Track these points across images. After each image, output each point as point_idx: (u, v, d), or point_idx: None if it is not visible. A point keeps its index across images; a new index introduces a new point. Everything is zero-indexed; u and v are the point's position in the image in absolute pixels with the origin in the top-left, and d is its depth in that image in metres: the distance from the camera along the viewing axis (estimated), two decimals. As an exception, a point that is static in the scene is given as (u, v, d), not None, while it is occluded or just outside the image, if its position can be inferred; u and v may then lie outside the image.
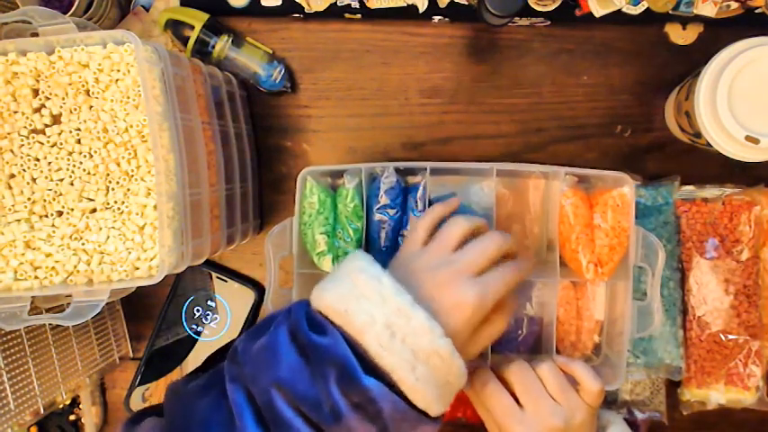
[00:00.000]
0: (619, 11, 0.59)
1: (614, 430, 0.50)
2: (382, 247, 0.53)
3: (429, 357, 0.39)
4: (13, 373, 0.51)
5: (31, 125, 0.46)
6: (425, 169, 0.53)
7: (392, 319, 0.39)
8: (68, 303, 0.45)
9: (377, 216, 0.53)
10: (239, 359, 0.40)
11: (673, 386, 0.61)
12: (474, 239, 0.46)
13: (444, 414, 0.42)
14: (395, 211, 0.53)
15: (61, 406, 0.62)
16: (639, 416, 0.60)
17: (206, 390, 0.41)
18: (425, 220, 0.49)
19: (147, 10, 0.62)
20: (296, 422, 0.37)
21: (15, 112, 0.46)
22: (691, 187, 0.59)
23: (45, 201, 0.46)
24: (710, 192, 0.59)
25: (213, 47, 0.59)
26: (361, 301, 0.40)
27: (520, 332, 0.58)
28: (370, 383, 0.37)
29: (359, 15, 0.61)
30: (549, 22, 0.60)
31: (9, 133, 0.46)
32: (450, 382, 0.41)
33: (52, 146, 0.46)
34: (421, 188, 0.53)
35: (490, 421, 0.50)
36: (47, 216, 0.46)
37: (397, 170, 0.54)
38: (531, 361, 0.50)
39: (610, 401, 0.60)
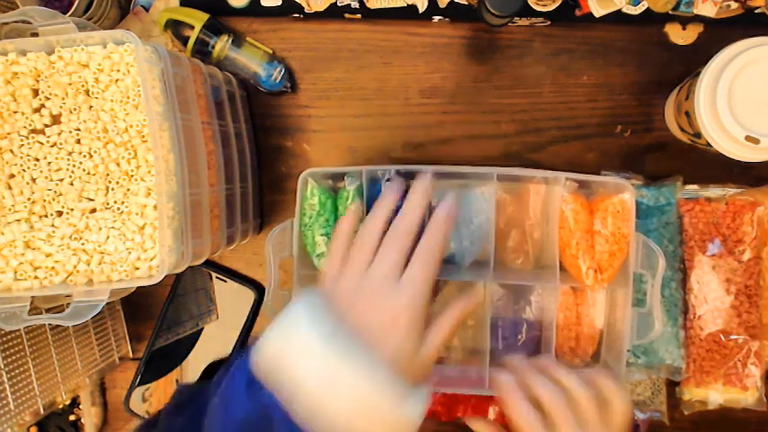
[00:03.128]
0: (619, 11, 0.59)
1: None
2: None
3: (368, 403, 0.38)
4: (13, 373, 0.51)
5: (30, 125, 0.46)
6: (428, 172, 0.53)
7: (328, 377, 0.38)
8: (68, 303, 0.45)
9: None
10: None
11: (673, 386, 0.61)
12: (384, 239, 0.45)
13: None
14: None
15: (61, 406, 0.62)
16: (640, 416, 0.60)
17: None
18: (336, 242, 0.48)
19: (147, 10, 0.62)
20: None
21: (15, 112, 0.46)
22: (694, 186, 0.59)
23: (45, 201, 0.46)
24: (713, 191, 0.59)
25: (213, 47, 0.59)
26: (298, 360, 0.39)
27: (519, 337, 0.58)
28: None
29: (359, 15, 0.61)
30: (549, 22, 0.60)
31: (9, 133, 0.46)
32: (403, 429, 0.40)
33: (52, 146, 0.46)
34: None
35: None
36: (47, 216, 0.46)
37: (398, 173, 0.54)
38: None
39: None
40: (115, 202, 0.46)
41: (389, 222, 0.46)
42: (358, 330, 0.41)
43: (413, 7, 0.60)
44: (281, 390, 0.38)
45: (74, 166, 0.45)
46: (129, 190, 0.46)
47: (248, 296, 0.63)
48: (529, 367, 0.49)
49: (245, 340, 0.64)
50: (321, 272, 0.48)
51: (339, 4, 0.60)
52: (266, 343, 0.40)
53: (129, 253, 0.45)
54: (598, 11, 0.59)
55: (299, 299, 0.43)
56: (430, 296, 0.44)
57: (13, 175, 0.46)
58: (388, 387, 0.39)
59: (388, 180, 0.53)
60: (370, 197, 0.54)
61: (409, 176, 0.56)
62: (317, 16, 0.61)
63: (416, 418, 0.40)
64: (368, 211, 0.53)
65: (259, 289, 0.63)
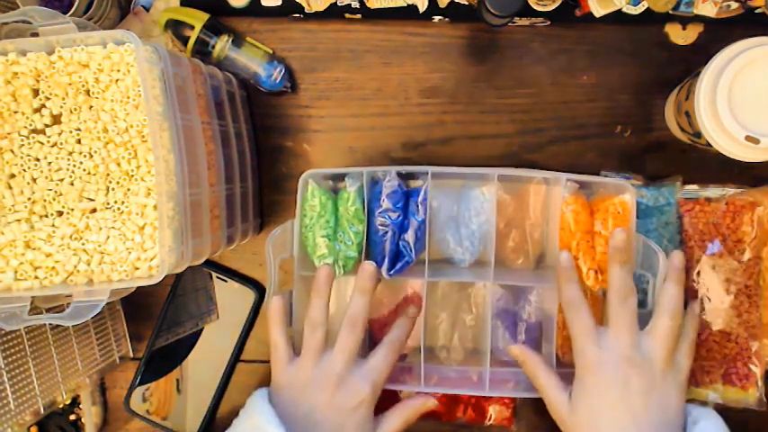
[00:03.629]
0: (619, 11, 0.59)
1: (706, 425, 0.46)
2: (384, 252, 0.53)
3: None
4: (13, 373, 0.51)
5: (31, 125, 0.46)
6: (426, 173, 0.53)
7: None
8: (68, 303, 0.45)
9: (378, 220, 0.53)
10: None
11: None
12: (342, 328, 0.48)
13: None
14: (396, 214, 0.53)
15: (61, 406, 0.62)
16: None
17: None
18: (275, 335, 0.50)
19: (147, 10, 0.62)
20: None
21: (15, 112, 0.46)
22: (694, 186, 0.59)
23: (45, 201, 0.46)
24: (713, 191, 0.59)
25: (213, 47, 0.59)
26: None
27: (519, 337, 0.58)
28: None
29: (359, 15, 0.61)
30: (549, 22, 0.60)
31: (9, 133, 0.46)
32: None
33: (52, 146, 0.46)
34: (422, 192, 0.53)
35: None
36: (47, 216, 0.46)
37: (399, 174, 0.54)
38: None
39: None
40: (115, 202, 0.46)
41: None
42: (324, 420, 0.43)
43: (413, 7, 0.60)
44: None
45: (74, 166, 0.45)
46: (129, 190, 0.46)
47: (248, 296, 0.63)
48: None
49: (244, 340, 0.64)
50: (271, 362, 0.50)
51: (339, 4, 0.60)
52: None
53: (129, 253, 0.45)
54: (598, 11, 0.59)
55: (255, 403, 0.45)
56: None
57: (13, 175, 0.46)
58: None
59: (388, 181, 0.53)
60: (370, 198, 0.54)
61: (409, 177, 0.56)
62: (316, 16, 0.61)
63: None
64: (368, 212, 0.54)
65: (259, 289, 0.63)
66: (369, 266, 0.51)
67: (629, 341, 0.46)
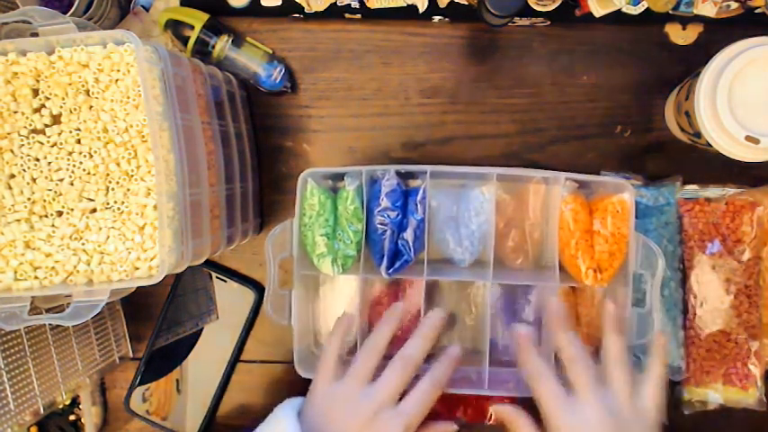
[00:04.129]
0: (619, 11, 0.59)
1: None
2: (382, 251, 0.53)
3: None
4: (13, 373, 0.51)
5: (31, 125, 0.46)
6: (426, 173, 0.53)
7: None
8: (68, 303, 0.45)
9: (377, 219, 0.53)
10: None
11: (672, 386, 0.61)
12: (393, 362, 0.47)
13: None
14: (395, 213, 0.53)
15: (61, 406, 0.62)
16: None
17: None
18: (330, 350, 0.49)
19: (147, 10, 0.62)
20: None
21: (15, 112, 0.45)
22: (694, 186, 0.59)
23: (45, 201, 0.46)
24: (713, 191, 0.59)
25: (213, 47, 0.59)
26: None
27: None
28: None
29: (359, 15, 0.61)
30: (549, 22, 0.60)
31: (9, 133, 0.46)
32: None
33: (52, 146, 0.46)
34: (421, 192, 0.53)
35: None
36: (47, 216, 0.46)
37: (398, 173, 0.54)
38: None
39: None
40: (115, 202, 0.46)
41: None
42: None
43: (413, 7, 0.60)
44: None
45: (74, 166, 0.45)
46: (129, 190, 0.45)
47: (248, 296, 0.63)
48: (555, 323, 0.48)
49: (244, 340, 0.64)
50: (317, 373, 0.49)
51: (339, 4, 0.60)
52: None
53: (129, 253, 0.45)
54: (598, 11, 0.59)
55: (284, 415, 0.44)
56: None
57: (13, 175, 0.46)
58: None
59: (387, 180, 0.53)
60: (369, 197, 0.54)
61: (408, 176, 0.56)
62: (317, 16, 0.61)
63: None
64: (367, 211, 0.54)
65: (259, 289, 0.63)
66: (437, 315, 0.50)
67: (602, 402, 0.44)
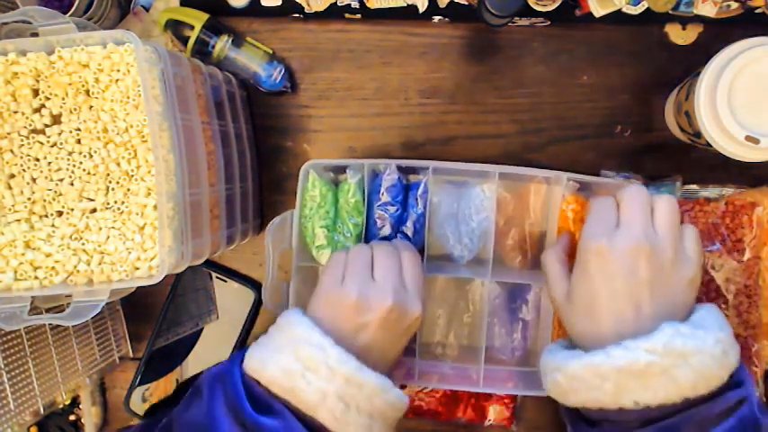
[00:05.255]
0: (619, 11, 0.59)
1: (702, 314, 0.41)
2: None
3: (384, 413, 0.40)
4: (13, 373, 0.51)
5: (31, 125, 0.46)
6: (428, 168, 0.53)
7: (343, 390, 0.39)
8: (68, 303, 0.45)
9: (377, 212, 0.53)
10: None
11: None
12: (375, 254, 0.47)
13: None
14: (395, 208, 0.53)
15: (61, 406, 0.62)
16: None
17: None
18: (339, 258, 0.48)
19: (147, 10, 0.62)
20: None
21: (15, 112, 0.45)
22: (694, 186, 0.59)
23: (45, 201, 0.46)
24: (713, 191, 0.59)
25: (213, 47, 0.59)
26: (307, 375, 0.39)
27: (515, 335, 0.58)
28: None
29: (359, 15, 0.61)
30: (549, 22, 0.60)
31: (9, 133, 0.46)
32: (400, 418, 0.42)
33: (52, 146, 0.46)
34: (422, 186, 0.53)
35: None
36: (47, 216, 0.46)
37: (400, 168, 0.54)
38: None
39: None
40: (115, 202, 0.46)
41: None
42: (364, 339, 0.43)
43: (413, 7, 0.60)
44: (296, 405, 0.39)
45: (74, 166, 0.45)
46: (129, 190, 0.46)
47: (248, 296, 0.63)
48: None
49: (244, 340, 0.64)
50: (321, 274, 0.49)
51: (339, 4, 0.60)
52: (266, 361, 0.40)
53: (129, 253, 0.45)
54: (598, 11, 0.59)
55: (291, 319, 0.44)
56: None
57: (13, 175, 0.46)
58: (398, 394, 0.42)
59: (388, 174, 0.53)
60: (370, 191, 0.54)
61: (410, 171, 0.56)
62: (317, 16, 0.61)
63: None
64: (367, 205, 0.54)
65: (259, 289, 0.63)
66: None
67: (642, 229, 0.41)
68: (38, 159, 0.46)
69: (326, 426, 0.38)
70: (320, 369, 0.39)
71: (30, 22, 0.44)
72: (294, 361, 0.39)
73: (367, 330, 0.43)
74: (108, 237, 0.46)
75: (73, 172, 0.46)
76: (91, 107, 0.45)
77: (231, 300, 0.63)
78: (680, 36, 0.60)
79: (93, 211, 0.46)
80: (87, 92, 0.45)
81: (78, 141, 0.45)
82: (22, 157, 0.46)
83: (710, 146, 0.51)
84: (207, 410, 0.39)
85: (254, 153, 0.62)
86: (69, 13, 0.55)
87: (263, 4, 0.61)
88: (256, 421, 0.37)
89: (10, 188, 0.46)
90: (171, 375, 0.63)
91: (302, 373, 0.39)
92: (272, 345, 0.42)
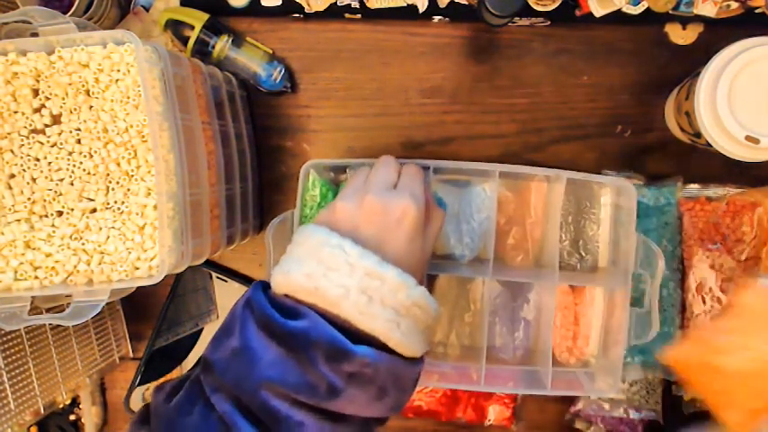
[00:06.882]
0: (619, 11, 0.59)
1: None
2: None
3: (409, 310, 0.39)
4: (13, 373, 0.51)
5: (31, 125, 0.46)
6: (428, 168, 0.53)
7: (366, 284, 0.39)
8: (68, 303, 0.45)
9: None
10: (215, 370, 0.39)
11: (669, 386, 0.61)
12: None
13: (428, 351, 0.43)
14: None
15: (61, 406, 0.62)
16: (635, 415, 0.60)
17: (189, 406, 0.40)
18: (362, 173, 0.48)
19: (147, 10, 0.62)
20: (295, 414, 0.37)
21: (15, 112, 0.45)
22: (694, 186, 0.59)
23: (45, 201, 0.46)
24: (714, 191, 0.59)
25: (213, 47, 0.59)
26: (329, 275, 0.39)
27: (517, 335, 0.58)
28: (362, 351, 0.37)
29: (359, 15, 0.61)
30: (549, 22, 0.60)
31: (9, 133, 0.46)
32: (429, 326, 0.42)
33: (52, 146, 0.46)
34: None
35: None
36: (47, 216, 0.46)
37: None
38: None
39: (604, 402, 0.60)
40: (115, 202, 0.46)
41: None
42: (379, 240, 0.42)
43: (413, 7, 0.60)
44: (321, 306, 0.39)
45: (74, 166, 0.45)
46: (129, 190, 0.46)
47: (248, 296, 0.63)
48: None
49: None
50: (342, 192, 0.48)
51: (339, 4, 0.60)
52: (290, 273, 0.40)
53: (129, 253, 0.45)
54: (598, 11, 0.59)
55: (309, 231, 0.43)
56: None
57: (13, 175, 0.46)
58: (421, 291, 0.40)
59: None
60: None
61: None
62: (317, 16, 0.61)
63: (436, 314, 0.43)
64: None
65: (259, 289, 0.63)
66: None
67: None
68: (38, 159, 0.46)
69: (352, 321, 0.38)
70: (341, 267, 0.39)
71: (30, 22, 0.44)
72: (316, 265, 0.40)
73: (387, 233, 0.42)
74: (108, 237, 0.45)
75: (73, 172, 0.46)
76: (91, 107, 0.45)
77: (231, 300, 0.63)
78: (680, 36, 0.60)
79: (93, 211, 0.46)
80: (87, 92, 0.45)
81: (78, 141, 0.45)
82: (22, 157, 0.46)
83: (711, 146, 0.51)
84: (240, 337, 0.39)
85: (254, 153, 0.62)
86: (69, 13, 0.55)
87: (263, 4, 0.61)
88: (285, 326, 0.38)
89: (10, 188, 0.46)
90: (171, 375, 0.63)
91: (324, 273, 0.39)
92: (291, 258, 0.42)
